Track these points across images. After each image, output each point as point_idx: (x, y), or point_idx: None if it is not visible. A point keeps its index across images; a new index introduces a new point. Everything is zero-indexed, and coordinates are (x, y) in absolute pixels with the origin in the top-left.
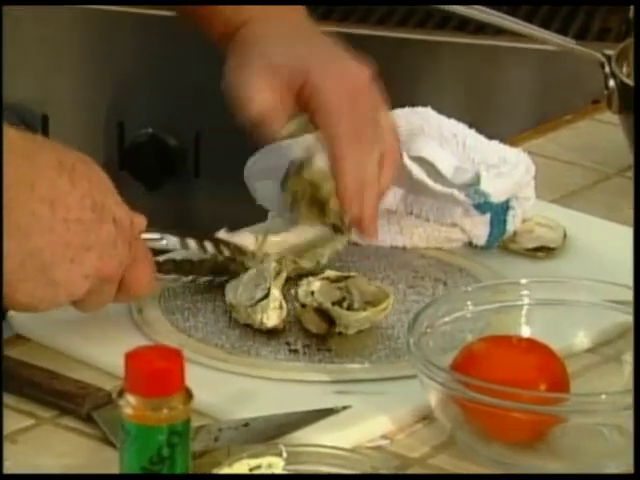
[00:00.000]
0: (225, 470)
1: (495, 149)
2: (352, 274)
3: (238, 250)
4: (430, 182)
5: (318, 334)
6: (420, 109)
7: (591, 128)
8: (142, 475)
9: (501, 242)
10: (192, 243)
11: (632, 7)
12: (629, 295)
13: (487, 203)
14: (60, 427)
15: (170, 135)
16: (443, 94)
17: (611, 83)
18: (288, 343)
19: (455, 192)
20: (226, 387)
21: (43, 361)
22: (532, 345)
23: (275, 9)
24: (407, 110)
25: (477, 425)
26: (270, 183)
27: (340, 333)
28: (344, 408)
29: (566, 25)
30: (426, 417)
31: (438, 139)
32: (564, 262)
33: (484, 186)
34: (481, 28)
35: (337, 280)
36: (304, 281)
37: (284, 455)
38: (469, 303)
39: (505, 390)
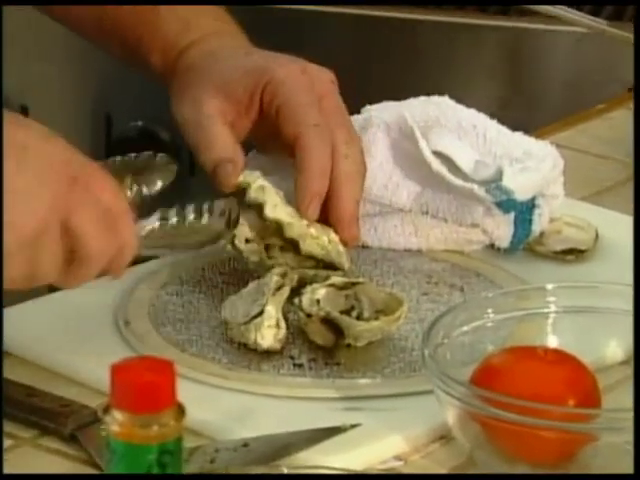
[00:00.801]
0: None
1: (519, 142)
2: (360, 280)
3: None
4: (450, 177)
5: (325, 346)
6: (436, 98)
7: (626, 118)
8: (141, 475)
9: (526, 244)
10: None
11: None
12: None
13: (511, 201)
14: (41, 449)
15: (162, 128)
16: (462, 82)
17: None
18: (292, 357)
19: (475, 189)
20: (224, 404)
21: (22, 377)
22: (560, 357)
23: (214, 28)
24: (422, 99)
25: (499, 445)
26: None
27: (349, 345)
28: (353, 426)
29: (598, 7)
30: (443, 436)
31: (456, 131)
32: (595, 265)
33: (507, 182)
34: (503, 9)
35: (344, 287)
36: (308, 288)
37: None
38: (490, 311)
39: (530, 406)
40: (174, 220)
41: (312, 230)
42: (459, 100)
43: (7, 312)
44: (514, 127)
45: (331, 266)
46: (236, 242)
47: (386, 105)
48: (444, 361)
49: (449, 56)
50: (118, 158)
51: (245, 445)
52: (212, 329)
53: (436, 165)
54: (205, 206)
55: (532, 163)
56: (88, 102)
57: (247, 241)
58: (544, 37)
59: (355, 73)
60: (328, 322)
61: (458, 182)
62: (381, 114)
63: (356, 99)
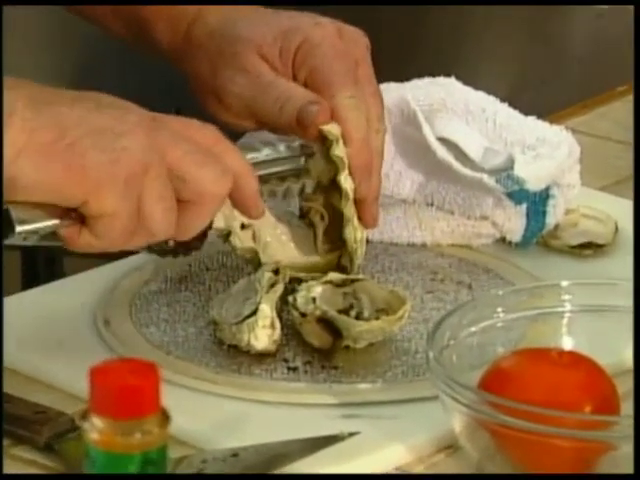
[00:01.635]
0: None
1: (532, 127)
2: (360, 277)
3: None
4: (457, 165)
5: (321, 349)
6: (442, 79)
7: None
8: (141, 475)
9: (539, 238)
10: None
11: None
12: None
13: (523, 191)
14: (15, 459)
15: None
16: (470, 61)
17: None
18: (286, 360)
19: (485, 178)
20: (212, 411)
21: None
22: (575, 360)
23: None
24: (427, 81)
25: (510, 455)
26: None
27: (347, 347)
28: (352, 435)
29: None
30: (449, 446)
31: (463, 115)
32: (614, 261)
33: (519, 171)
34: None
35: (342, 284)
36: (303, 286)
37: None
38: (500, 310)
39: (543, 413)
40: (265, 152)
41: (355, 220)
42: (467, 81)
43: None
44: (527, 111)
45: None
46: (231, 238)
47: (387, 87)
48: (450, 364)
49: (456, 33)
50: None
51: (234, 455)
52: (199, 330)
53: (442, 153)
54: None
55: (546, 150)
56: (65, 81)
57: (243, 227)
58: (561, 12)
59: None
60: (325, 322)
61: (466, 171)
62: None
63: None
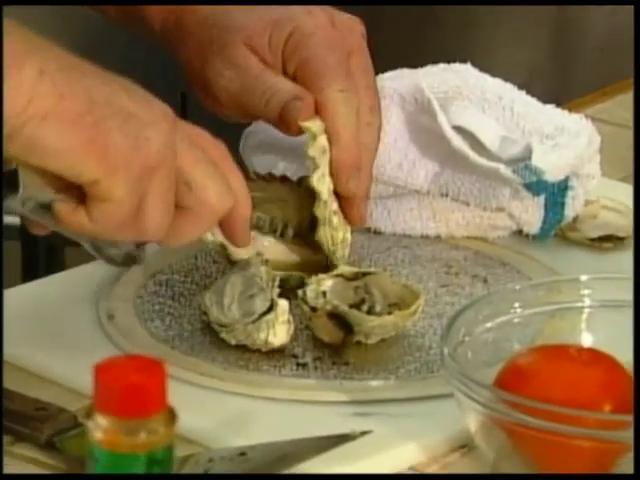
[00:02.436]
0: None
1: (551, 115)
2: (372, 270)
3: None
4: (473, 155)
5: (332, 344)
6: (457, 66)
7: None
8: (141, 475)
9: (558, 230)
10: None
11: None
12: None
13: (541, 182)
14: (15, 457)
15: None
16: (486, 47)
17: None
18: (295, 356)
19: (502, 168)
20: (219, 409)
21: None
22: (595, 357)
23: None
24: (441, 67)
25: (527, 455)
26: (268, 158)
27: (359, 343)
28: (363, 433)
29: None
30: (464, 445)
31: (480, 103)
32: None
33: (537, 161)
34: None
35: (354, 278)
36: (313, 279)
37: None
38: (517, 305)
39: (561, 412)
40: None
41: (335, 219)
42: (483, 68)
43: None
44: (545, 99)
45: (315, 266)
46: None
47: (401, 73)
48: (465, 361)
49: (472, 18)
50: None
51: (242, 454)
52: (205, 324)
53: (457, 142)
54: None
55: (565, 139)
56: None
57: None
58: None
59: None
60: (335, 317)
61: (482, 161)
62: (395, 84)
63: None
